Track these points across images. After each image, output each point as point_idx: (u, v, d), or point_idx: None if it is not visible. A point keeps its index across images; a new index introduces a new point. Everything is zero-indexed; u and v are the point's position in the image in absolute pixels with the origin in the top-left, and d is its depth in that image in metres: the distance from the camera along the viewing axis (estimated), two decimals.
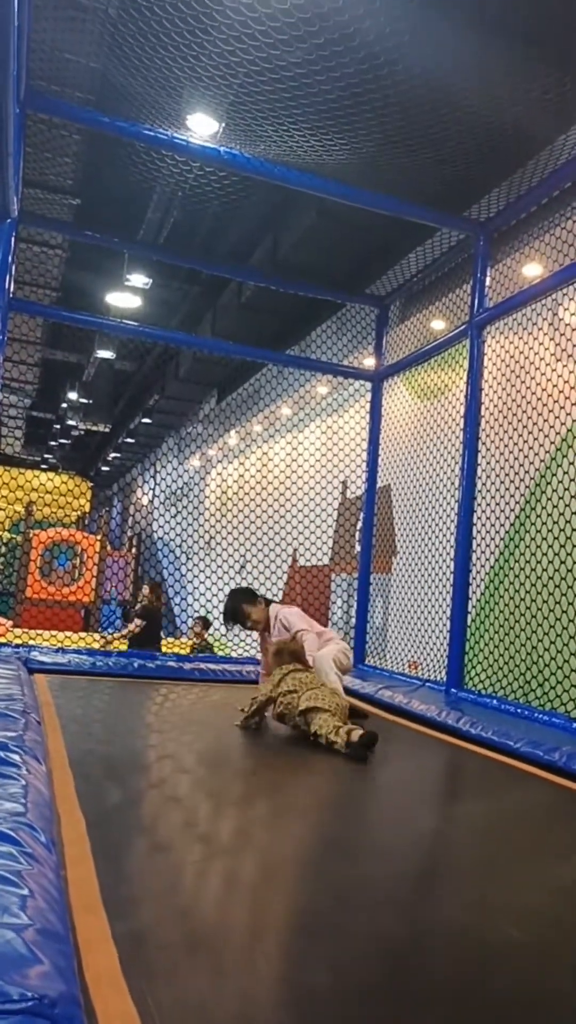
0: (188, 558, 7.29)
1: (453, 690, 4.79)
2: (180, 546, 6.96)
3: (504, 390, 4.85)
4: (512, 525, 4.72)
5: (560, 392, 4.33)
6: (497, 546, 4.86)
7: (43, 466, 22.60)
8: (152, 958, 1.39)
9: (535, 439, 4.53)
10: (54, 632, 6.79)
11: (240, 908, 1.73)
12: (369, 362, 6.57)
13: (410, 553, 5.98)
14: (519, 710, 4.15)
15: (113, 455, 21.00)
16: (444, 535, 5.37)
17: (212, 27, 3.57)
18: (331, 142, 4.48)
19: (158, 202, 7.81)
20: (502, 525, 4.76)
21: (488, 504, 4.84)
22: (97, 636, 9.31)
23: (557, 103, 3.98)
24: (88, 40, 4.14)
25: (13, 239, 4.61)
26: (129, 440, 19.01)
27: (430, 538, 5.60)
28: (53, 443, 21.52)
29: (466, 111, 4.05)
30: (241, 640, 5.97)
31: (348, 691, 4.80)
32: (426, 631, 5.50)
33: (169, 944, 1.47)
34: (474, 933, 1.66)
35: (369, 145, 4.47)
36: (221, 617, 4.68)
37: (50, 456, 23.31)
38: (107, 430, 18.67)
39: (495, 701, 4.39)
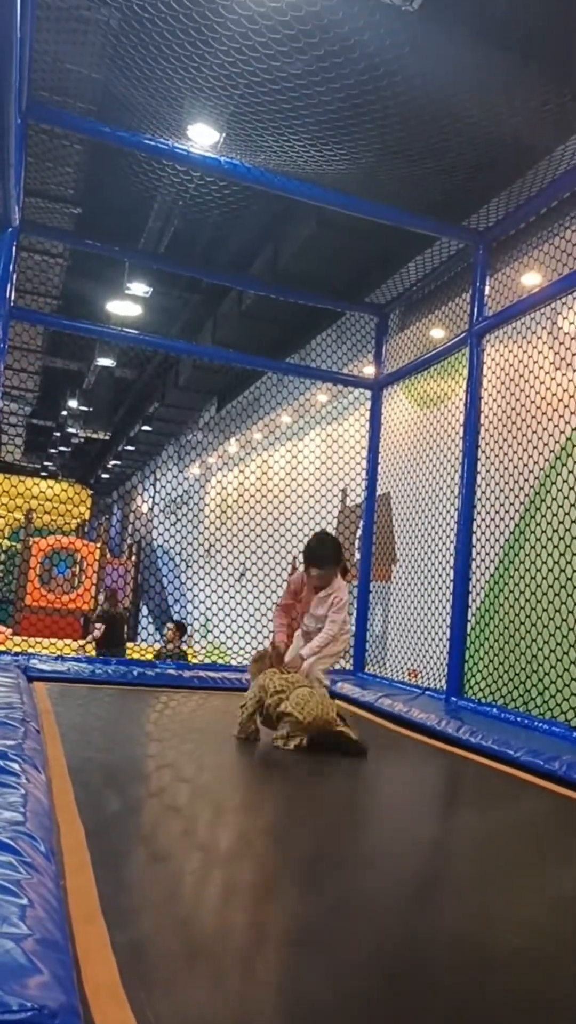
0: (188, 566, 7.29)
1: (453, 699, 4.78)
2: (180, 554, 6.95)
3: (504, 398, 4.86)
4: (512, 533, 4.73)
5: (559, 400, 4.34)
6: (497, 554, 4.86)
7: (43, 474, 22.66)
8: (152, 968, 1.39)
9: (534, 447, 4.54)
10: (52, 640, 6.79)
11: (239, 918, 1.73)
12: (369, 370, 6.58)
13: (410, 561, 5.98)
14: (519, 719, 4.14)
15: (113, 463, 21.03)
16: (444, 543, 5.37)
17: (213, 39, 3.59)
18: (331, 152, 4.51)
19: (159, 211, 7.84)
20: (502, 533, 4.76)
21: (488, 512, 4.84)
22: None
23: (556, 114, 4.00)
24: (90, 51, 4.17)
25: (14, 248, 4.64)
26: (129, 448, 19.04)
27: (430, 546, 5.60)
28: (53, 451, 21.56)
29: (466, 122, 4.07)
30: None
31: (347, 700, 4.80)
32: (426, 639, 5.49)
33: (169, 954, 1.46)
34: (474, 942, 1.65)
35: (369, 155, 4.49)
36: (301, 556, 4.17)
37: (50, 464, 23.37)
38: (107, 438, 18.72)
39: (495, 710, 4.38)
